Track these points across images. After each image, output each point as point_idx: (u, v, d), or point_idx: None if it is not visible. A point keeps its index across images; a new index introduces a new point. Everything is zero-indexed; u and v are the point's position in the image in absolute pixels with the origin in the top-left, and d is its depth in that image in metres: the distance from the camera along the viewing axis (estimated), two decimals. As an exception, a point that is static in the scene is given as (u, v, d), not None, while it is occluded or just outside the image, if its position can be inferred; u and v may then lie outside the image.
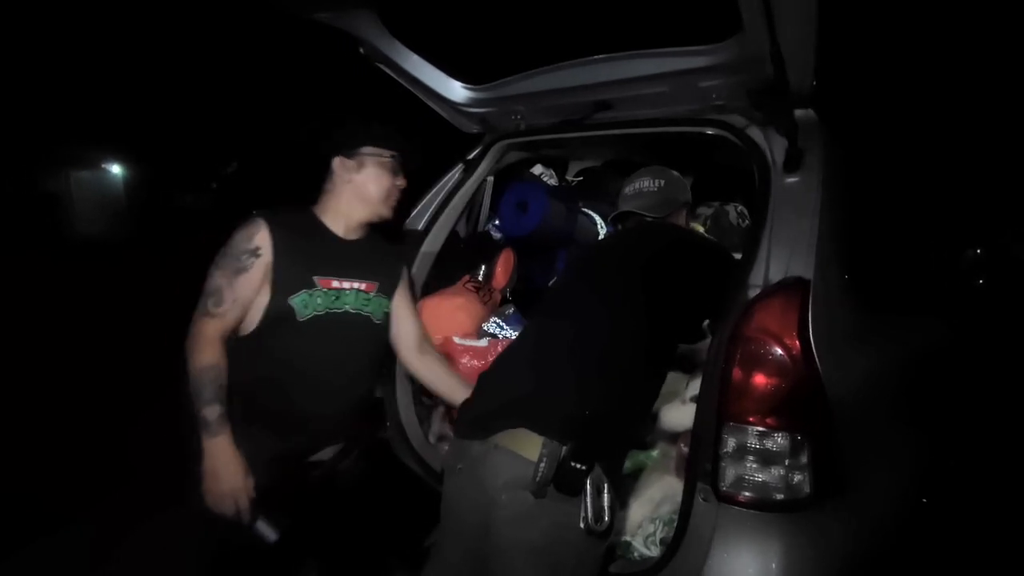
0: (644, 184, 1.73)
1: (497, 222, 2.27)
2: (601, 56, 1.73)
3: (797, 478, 1.16)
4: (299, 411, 1.45)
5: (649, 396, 1.35)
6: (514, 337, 1.87)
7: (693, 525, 1.20)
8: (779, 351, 1.16)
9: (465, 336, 1.93)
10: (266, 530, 1.33)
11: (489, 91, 2.00)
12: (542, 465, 1.10)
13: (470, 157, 2.15)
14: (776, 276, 1.26)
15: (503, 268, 2.19)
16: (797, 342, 1.16)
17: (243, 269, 1.38)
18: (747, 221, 2.12)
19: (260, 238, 1.40)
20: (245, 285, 1.38)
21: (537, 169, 2.44)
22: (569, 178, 2.61)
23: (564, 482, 1.10)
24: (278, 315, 1.40)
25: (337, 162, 1.50)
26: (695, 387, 1.38)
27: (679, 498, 1.26)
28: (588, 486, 1.10)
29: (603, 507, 1.11)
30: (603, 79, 1.73)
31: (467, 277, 2.12)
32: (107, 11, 12.09)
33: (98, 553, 2.25)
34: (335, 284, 1.48)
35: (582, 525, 1.10)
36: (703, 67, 1.52)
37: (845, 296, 1.37)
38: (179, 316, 1.41)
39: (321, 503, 1.52)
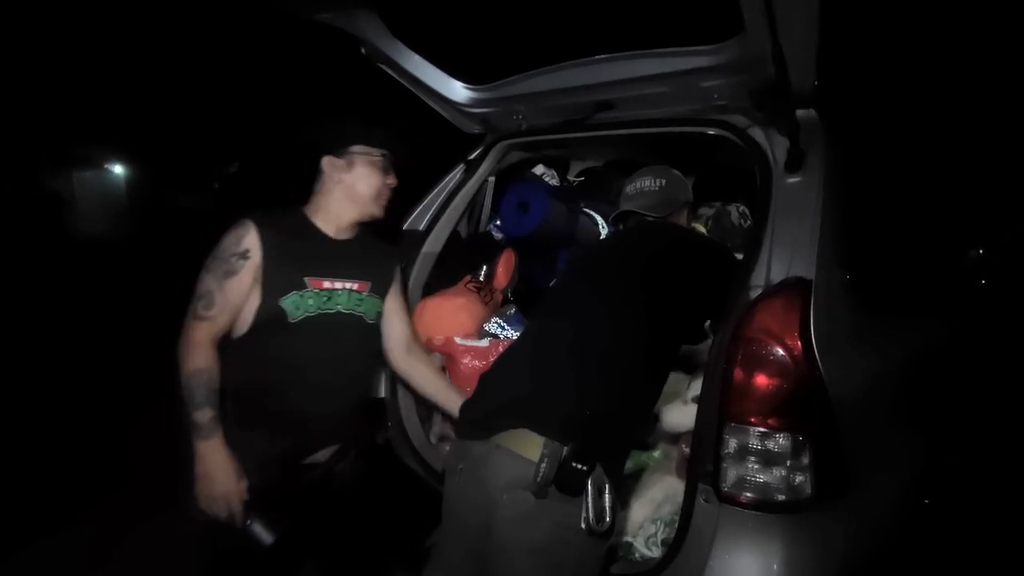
0: (645, 184, 1.72)
1: (498, 222, 2.27)
2: (603, 56, 1.72)
3: (799, 479, 1.16)
4: (293, 413, 1.43)
5: (650, 396, 1.35)
6: (515, 337, 1.87)
7: (694, 526, 1.20)
8: (780, 352, 1.16)
9: (466, 336, 1.93)
10: (261, 532, 1.31)
11: (490, 91, 2.00)
12: (543, 465, 1.10)
13: (471, 157, 2.16)
14: (778, 276, 1.26)
15: (504, 268, 2.18)
16: (799, 343, 1.16)
17: (232, 272, 1.36)
18: (749, 221, 2.12)
19: (249, 240, 1.38)
20: (235, 288, 1.36)
21: (539, 169, 2.43)
22: (571, 178, 2.61)
23: (565, 482, 1.10)
24: (269, 317, 1.38)
25: (326, 161, 1.48)
26: (696, 388, 1.38)
27: (680, 499, 1.26)
28: (589, 486, 1.10)
29: (604, 507, 1.10)
30: (605, 79, 1.73)
31: (468, 277, 2.11)
32: (109, 11, 12.11)
33: (98, 553, 2.25)
34: (326, 285, 1.46)
35: (583, 525, 1.09)
36: (705, 67, 1.52)
37: (847, 296, 1.37)
38: (180, 316, 1.41)
39: (318, 505, 1.50)
